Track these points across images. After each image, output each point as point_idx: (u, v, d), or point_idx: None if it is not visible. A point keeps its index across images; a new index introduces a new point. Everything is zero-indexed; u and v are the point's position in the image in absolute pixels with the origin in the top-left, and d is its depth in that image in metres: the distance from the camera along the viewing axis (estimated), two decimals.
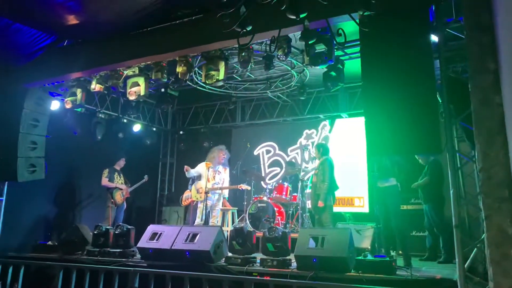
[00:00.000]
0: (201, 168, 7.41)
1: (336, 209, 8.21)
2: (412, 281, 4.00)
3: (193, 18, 5.43)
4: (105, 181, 7.98)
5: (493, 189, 3.27)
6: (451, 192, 3.84)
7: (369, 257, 4.58)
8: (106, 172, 8.04)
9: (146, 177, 8.55)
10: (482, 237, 3.54)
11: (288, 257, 4.90)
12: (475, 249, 3.90)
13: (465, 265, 3.72)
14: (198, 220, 7.10)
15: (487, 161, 3.32)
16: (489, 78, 3.40)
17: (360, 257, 4.52)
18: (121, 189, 8.06)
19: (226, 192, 7.60)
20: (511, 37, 2.91)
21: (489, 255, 3.23)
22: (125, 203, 8.18)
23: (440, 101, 4.15)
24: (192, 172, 7.40)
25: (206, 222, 7.05)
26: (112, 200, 7.95)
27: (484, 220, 3.31)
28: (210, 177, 7.27)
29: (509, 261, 3.13)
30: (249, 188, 7.59)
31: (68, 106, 6.91)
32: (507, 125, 3.19)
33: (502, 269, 3.13)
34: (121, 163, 8.32)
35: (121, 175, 8.22)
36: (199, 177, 7.47)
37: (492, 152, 3.29)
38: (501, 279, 3.12)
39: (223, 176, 7.47)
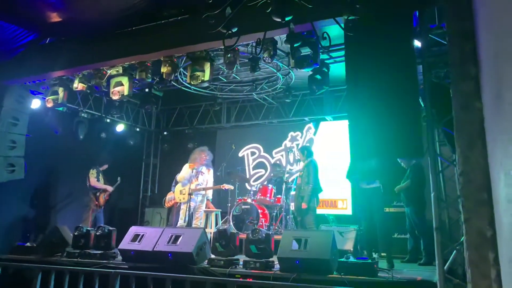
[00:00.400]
0: (185, 170, 7.37)
1: (319, 211, 8.27)
2: (393, 283, 4.05)
3: (179, 18, 5.40)
4: (94, 181, 7.81)
5: (472, 193, 3.33)
6: (432, 195, 3.90)
7: (352, 259, 4.62)
8: (94, 172, 7.86)
9: (119, 179, 8.37)
10: (461, 240, 3.60)
11: (271, 259, 4.90)
12: (455, 251, 3.97)
13: (445, 267, 3.78)
14: (181, 222, 7.04)
15: (467, 165, 3.38)
16: (470, 84, 3.46)
17: (342, 259, 4.55)
18: (106, 191, 7.93)
19: (210, 194, 7.56)
20: (492, 44, 2.98)
21: (467, 257, 3.29)
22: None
23: (423, 106, 4.21)
24: (185, 181, 7.33)
25: (189, 224, 6.99)
26: (96, 202, 7.79)
27: (464, 223, 3.37)
28: (193, 178, 7.22)
29: (487, 263, 3.18)
30: (232, 187, 7.56)
31: (50, 105, 6.78)
32: (487, 130, 3.25)
33: (480, 271, 3.19)
34: (104, 167, 8.17)
35: (103, 176, 8.10)
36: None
37: (472, 156, 3.35)
38: (479, 280, 3.18)
39: (207, 177, 7.43)
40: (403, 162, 6.36)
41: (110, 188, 7.98)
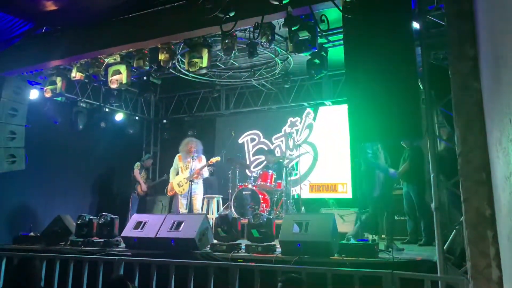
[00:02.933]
0: (175, 162, 7.45)
1: (319, 195, 8.36)
2: (393, 263, 4.10)
3: (175, 4, 5.36)
4: (136, 172, 8.59)
5: (471, 173, 3.36)
6: (432, 176, 3.93)
7: (352, 241, 4.67)
8: (138, 165, 8.70)
9: (165, 175, 8.76)
10: (460, 219, 3.64)
11: (273, 243, 4.96)
12: (454, 231, 4.01)
13: (444, 247, 3.83)
14: (182, 211, 7.13)
15: (466, 145, 3.40)
16: (468, 65, 3.47)
17: (343, 241, 4.61)
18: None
19: (205, 173, 7.50)
20: (489, 24, 2.97)
21: (467, 236, 3.33)
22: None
23: (422, 88, 4.21)
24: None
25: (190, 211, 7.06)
26: (135, 192, 8.56)
27: (463, 203, 3.41)
28: (184, 168, 7.28)
29: (485, 242, 3.23)
30: (219, 158, 7.50)
31: (48, 95, 6.78)
32: (485, 110, 3.27)
33: (479, 249, 3.24)
34: (148, 163, 8.79)
35: (145, 172, 8.76)
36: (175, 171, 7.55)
37: (471, 137, 3.38)
38: (478, 259, 3.23)
39: (198, 165, 7.37)
40: (404, 144, 6.36)
41: (144, 187, 8.56)
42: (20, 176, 6.98)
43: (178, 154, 7.42)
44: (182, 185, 7.17)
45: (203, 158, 7.52)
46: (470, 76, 3.42)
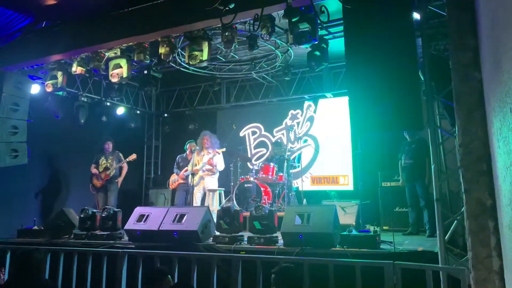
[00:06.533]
0: (194, 157, 7.56)
1: (321, 187, 8.38)
2: (395, 254, 4.12)
3: None
4: (91, 167, 7.93)
5: (472, 163, 3.37)
6: (432, 167, 3.94)
7: (354, 232, 4.70)
8: (94, 159, 7.98)
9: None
10: (462, 210, 3.66)
11: (275, 235, 4.99)
12: (455, 222, 4.03)
13: (446, 237, 3.85)
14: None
15: (466, 136, 3.41)
16: (469, 55, 3.46)
17: (345, 233, 4.63)
18: (97, 173, 7.93)
19: (220, 165, 7.62)
20: (490, 14, 2.95)
21: (467, 226, 3.35)
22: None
23: (422, 79, 4.20)
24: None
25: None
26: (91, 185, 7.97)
27: (464, 193, 3.41)
28: (200, 162, 7.40)
29: (486, 231, 3.25)
30: (224, 149, 7.62)
31: (49, 89, 6.79)
32: (486, 100, 3.27)
33: (480, 239, 3.25)
34: (106, 147, 8.06)
35: (105, 159, 8.03)
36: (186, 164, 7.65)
37: (472, 128, 3.38)
38: (479, 248, 3.25)
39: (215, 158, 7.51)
40: (407, 135, 6.37)
41: (93, 170, 7.91)
42: (23, 171, 7.01)
43: (196, 149, 7.56)
44: (194, 177, 7.29)
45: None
46: (471, 66, 3.41)
